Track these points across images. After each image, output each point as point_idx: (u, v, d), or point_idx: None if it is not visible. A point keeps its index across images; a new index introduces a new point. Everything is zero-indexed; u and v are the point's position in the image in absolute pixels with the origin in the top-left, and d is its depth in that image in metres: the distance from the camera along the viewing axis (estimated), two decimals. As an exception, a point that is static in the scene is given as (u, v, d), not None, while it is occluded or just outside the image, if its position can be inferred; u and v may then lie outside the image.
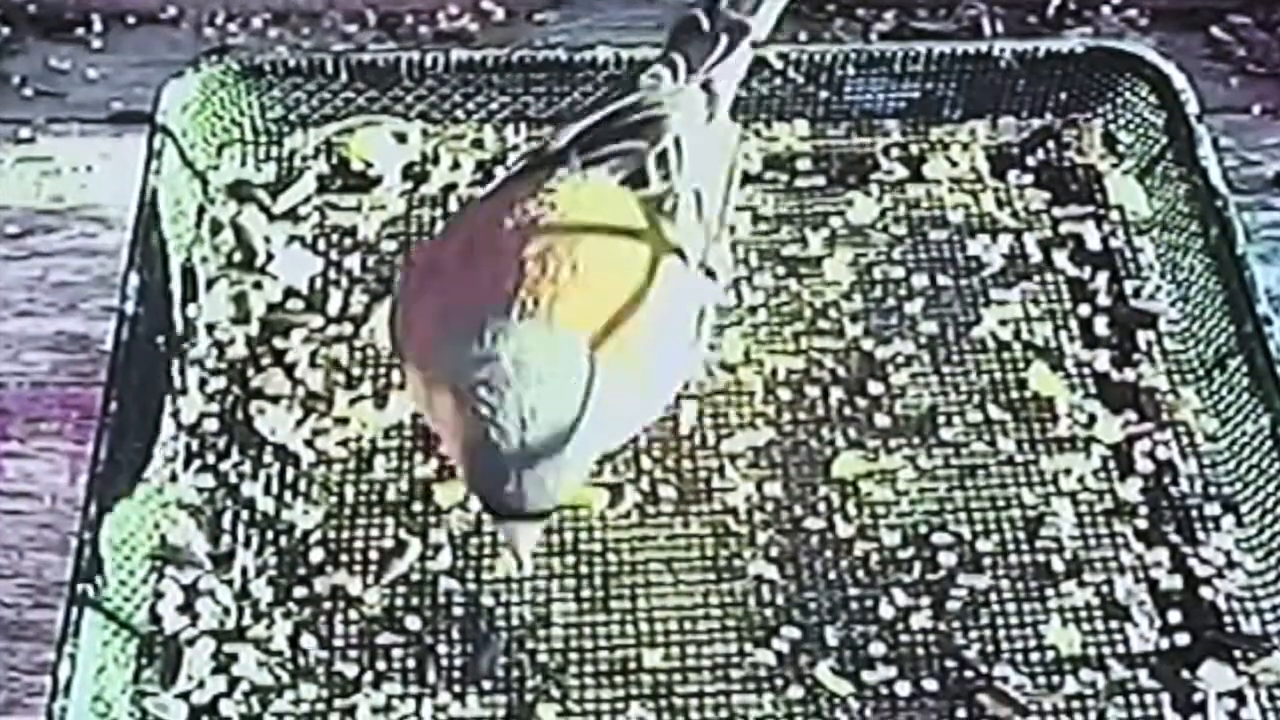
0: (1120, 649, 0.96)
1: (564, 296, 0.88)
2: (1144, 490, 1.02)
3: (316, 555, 0.99)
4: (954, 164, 1.18)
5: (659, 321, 0.92)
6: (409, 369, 0.91)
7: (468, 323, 0.86)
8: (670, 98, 0.98)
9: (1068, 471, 1.03)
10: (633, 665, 0.96)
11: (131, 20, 1.35)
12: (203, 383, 1.06)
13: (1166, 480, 1.03)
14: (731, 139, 1.02)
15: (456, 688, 0.95)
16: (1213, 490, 1.02)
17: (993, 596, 0.98)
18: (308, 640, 0.96)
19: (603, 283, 0.90)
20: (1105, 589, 0.98)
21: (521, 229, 0.91)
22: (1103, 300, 1.11)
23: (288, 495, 1.02)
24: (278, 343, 1.08)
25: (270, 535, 1.00)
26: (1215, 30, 1.34)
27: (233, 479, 1.02)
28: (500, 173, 1.16)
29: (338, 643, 0.96)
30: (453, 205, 1.15)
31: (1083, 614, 0.98)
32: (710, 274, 0.98)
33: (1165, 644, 0.96)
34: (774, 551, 1.00)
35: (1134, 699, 0.94)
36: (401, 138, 1.18)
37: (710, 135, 0.99)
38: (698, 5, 1.02)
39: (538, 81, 1.17)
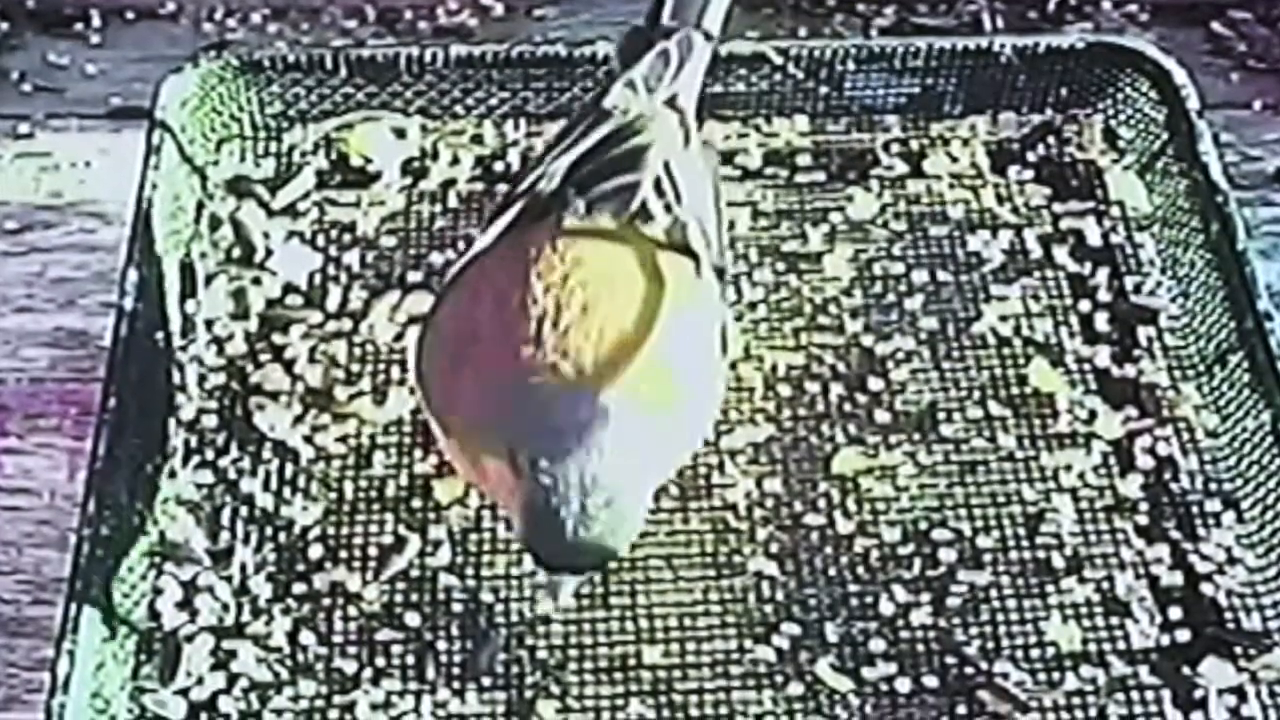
0: (1121, 645, 0.96)
1: (611, 357, 0.87)
2: (1144, 486, 1.02)
3: (315, 551, 0.99)
4: (954, 159, 1.17)
5: (695, 357, 0.92)
6: (452, 437, 0.91)
7: (518, 394, 0.86)
8: (648, 123, 0.97)
9: (1068, 467, 1.03)
10: (632, 662, 0.96)
11: (130, 15, 1.35)
12: (201, 379, 1.06)
13: (1167, 476, 1.03)
14: (711, 161, 1.01)
15: (456, 684, 0.94)
16: (1213, 486, 1.02)
17: (993, 593, 0.98)
18: (307, 637, 0.96)
19: (643, 333, 0.89)
20: (1106, 585, 0.98)
21: (552, 288, 0.89)
22: (1103, 296, 1.11)
23: (287, 491, 1.01)
24: (277, 338, 1.08)
25: (269, 531, 1.00)
26: (1216, 25, 1.33)
27: (231, 475, 1.02)
28: (498, 166, 1.17)
29: (337, 639, 0.96)
30: (452, 201, 1.15)
31: (1083, 610, 0.97)
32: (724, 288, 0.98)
33: (1166, 640, 0.96)
34: (774, 548, 0.99)
35: (1134, 695, 0.94)
36: (401, 133, 1.17)
37: (691, 159, 0.98)
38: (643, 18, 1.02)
39: (537, 77, 1.17)
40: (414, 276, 1.11)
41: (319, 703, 0.94)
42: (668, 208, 0.95)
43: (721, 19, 1.02)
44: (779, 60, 1.16)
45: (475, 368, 0.89)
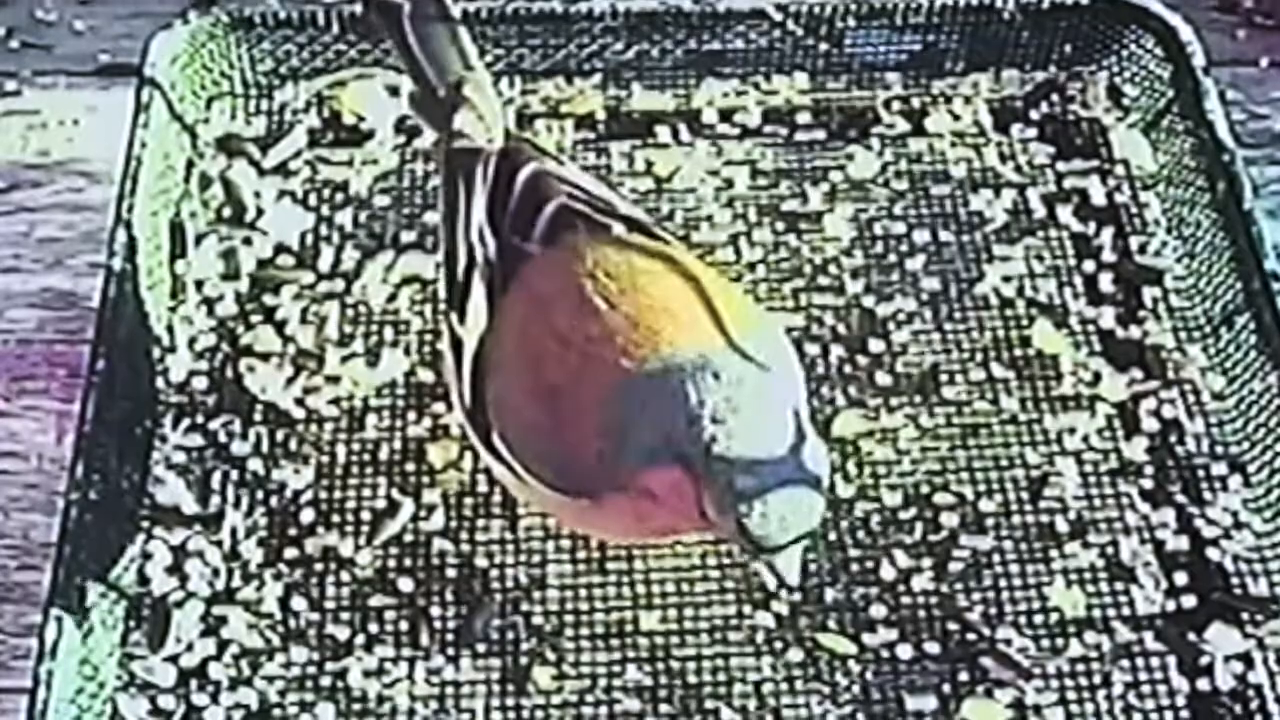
0: (1125, 611, 0.95)
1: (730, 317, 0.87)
2: (1150, 449, 1.01)
3: (307, 516, 0.98)
4: (956, 117, 1.16)
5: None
6: (604, 493, 0.87)
7: (664, 391, 0.83)
8: (514, 151, 0.96)
9: (1072, 430, 1.01)
10: (629, 628, 0.95)
11: (119, -29, 1.34)
12: (191, 340, 1.05)
13: (1172, 439, 1.01)
14: (581, 170, 1.00)
15: (450, 650, 0.93)
16: (1219, 449, 1.01)
17: (995, 558, 0.97)
18: (298, 602, 0.95)
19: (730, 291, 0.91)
20: (1110, 550, 0.97)
21: (624, 288, 0.88)
22: (1108, 256, 1.09)
23: (278, 454, 1.00)
24: (268, 299, 1.07)
25: (260, 495, 0.99)
26: (1222, -19, 1.32)
27: (222, 438, 1.01)
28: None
29: (329, 605, 0.95)
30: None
31: (1087, 575, 0.96)
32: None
33: (1171, 606, 0.95)
34: (773, 512, 0.98)
35: (1139, 662, 0.93)
36: (394, 91, 1.16)
37: (571, 169, 0.98)
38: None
39: (533, 34, 1.16)
40: (408, 236, 1.10)
41: (311, 669, 0.93)
42: (605, 213, 0.95)
43: (475, 51, 1.01)
44: (778, 17, 1.15)
45: (598, 380, 0.86)
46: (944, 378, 1.04)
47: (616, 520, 0.89)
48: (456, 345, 0.92)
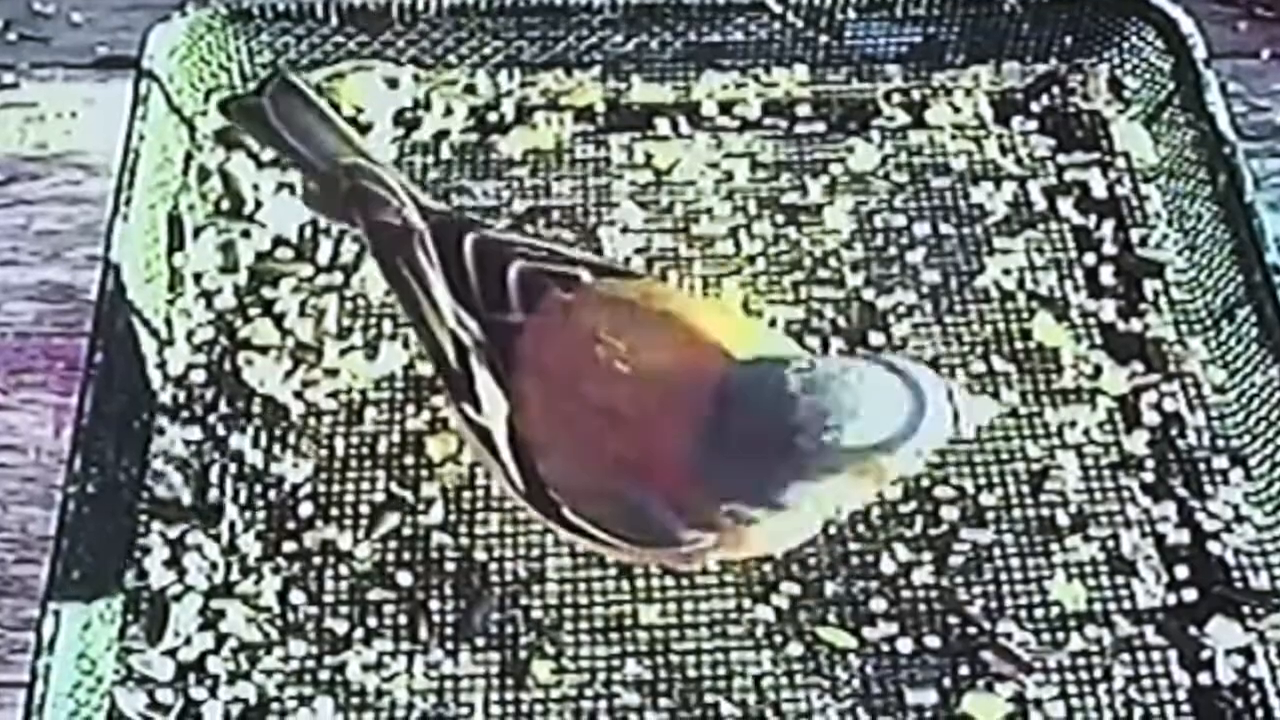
0: (1126, 605, 0.95)
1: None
2: (1151, 443, 1.01)
3: (306, 509, 0.98)
4: (957, 110, 1.16)
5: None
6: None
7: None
8: (451, 222, 0.94)
9: (1073, 424, 1.01)
10: (629, 621, 0.94)
11: (117, -38, 1.33)
12: (190, 333, 1.04)
13: (1174, 432, 1.01)
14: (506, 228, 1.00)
15: (449, 644, 0.93)
16: (1221, 443, 1.01)
17: (996, 551, 0.97)
18: (297, 596, 0.95)
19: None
20: (1111, 544, 0.97)
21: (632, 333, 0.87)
22: (1108, 249, 1.09)
23: (276, 448, 1.00)
24: (266, 292, 1.06)
25: (259, 489, 0.99)
26: (1223, -27, 1.32)
27: (220, 431, 1.01)
28: (492, 116, 1.15)
29: (328, 599, 0.95)
30: (445, 152, 1.13)
31: (1088, 569, 0.96)
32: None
33: (1172, 600, 0.95)
34: (773, 505, 0.98)
35: (1140, 656, 0.93)
36: (393, 83, 1.16)
37: (500, 233, 0.95)
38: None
39: (531, 26, 1.15)
40: (406, 229, 1.09)
41: (309, 663, 0.93)
42: (564, 262, 0.92)
43: (355, 131, 0.98)
44: (778, 9, 1.15)
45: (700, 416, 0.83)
46: (945, 371, 1.04)
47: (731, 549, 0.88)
48: (482, 434, 0.90)
